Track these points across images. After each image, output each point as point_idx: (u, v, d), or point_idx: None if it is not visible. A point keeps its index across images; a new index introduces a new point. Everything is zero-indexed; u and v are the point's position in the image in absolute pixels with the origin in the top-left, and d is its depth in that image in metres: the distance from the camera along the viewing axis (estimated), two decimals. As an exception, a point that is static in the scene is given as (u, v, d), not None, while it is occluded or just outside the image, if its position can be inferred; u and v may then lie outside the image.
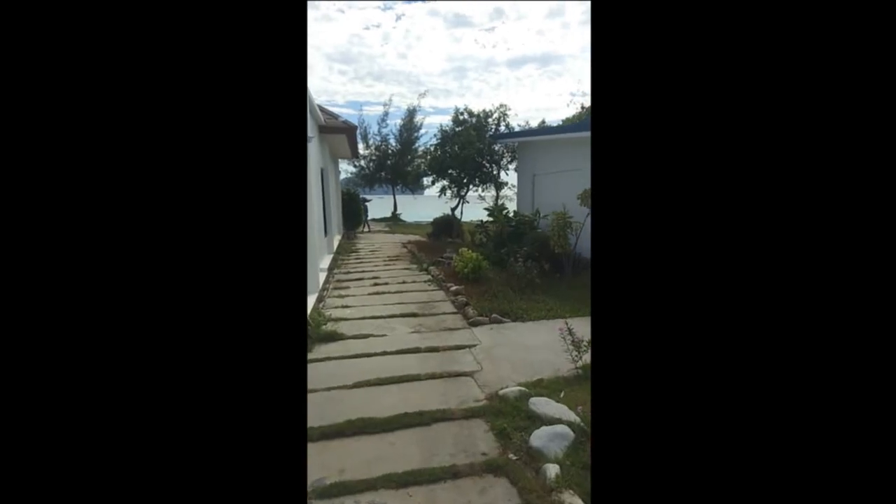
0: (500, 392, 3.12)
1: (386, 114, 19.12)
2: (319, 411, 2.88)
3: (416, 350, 4.01)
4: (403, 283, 6.87)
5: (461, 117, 11.18)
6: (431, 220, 12.50)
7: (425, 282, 6.92)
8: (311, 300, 5.39)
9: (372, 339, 4.34)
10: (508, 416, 2.78)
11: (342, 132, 8.28)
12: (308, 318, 4.57)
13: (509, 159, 11.44)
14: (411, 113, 18.94)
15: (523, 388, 3.12)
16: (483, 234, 10.81)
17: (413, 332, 4.54)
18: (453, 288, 6.25)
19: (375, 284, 6.77)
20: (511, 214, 8.62)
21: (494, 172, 11.30)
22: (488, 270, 6.83)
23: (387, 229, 16.42)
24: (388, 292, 6.28)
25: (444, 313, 5.23)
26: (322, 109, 8.22)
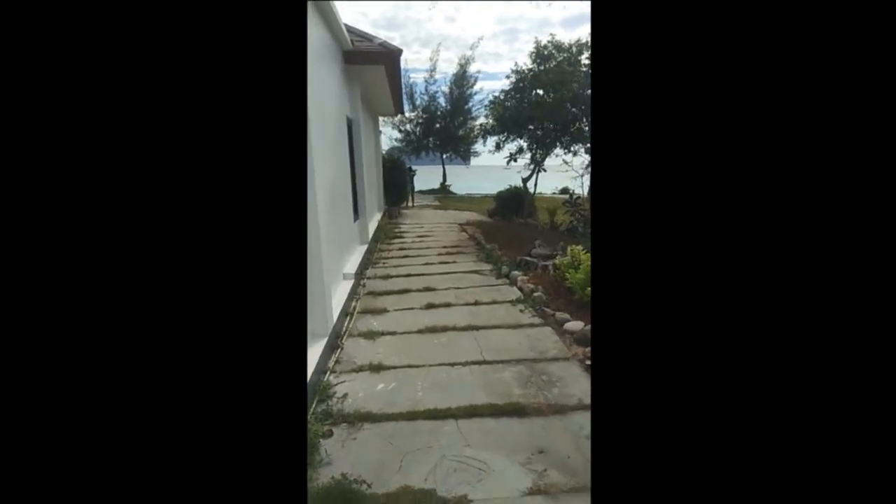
0: None
1: (433, 67, 16.13)
2: None
3: None
4: (476, 304, 4.15)
5: (545, 52, 7.97)
6: (487, 192, 9.72)
7: (512, 303, 4.16)
8: (316, 352, 2.79)
9: (436, 524, 1.68)
10: None
11: (378, 61, 5.43)
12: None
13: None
14: (463, 66, 15.79)
15: None
16: (576, 215, 7.84)
17: (535, 493, 1.83)
18: (570, 325, 3.46)
19: (430, 306, 4.09)
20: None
21: (588, 130, 8.12)
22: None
23: (436, 203, 13.69)
24: (454, 327, 3.58)
25: (583, 406, 2.48)
26: (351, 30, 5.42)
